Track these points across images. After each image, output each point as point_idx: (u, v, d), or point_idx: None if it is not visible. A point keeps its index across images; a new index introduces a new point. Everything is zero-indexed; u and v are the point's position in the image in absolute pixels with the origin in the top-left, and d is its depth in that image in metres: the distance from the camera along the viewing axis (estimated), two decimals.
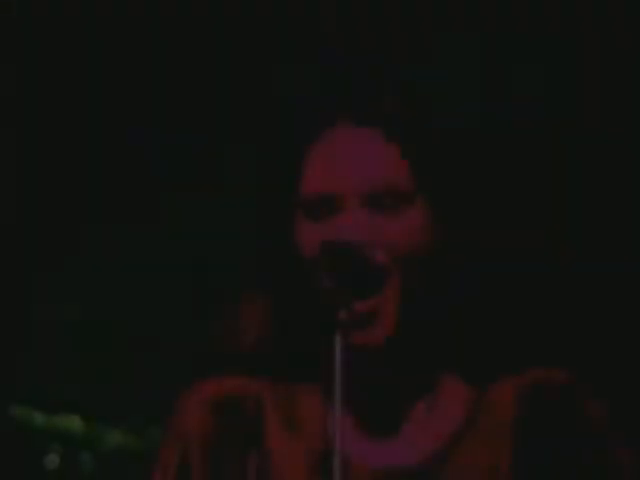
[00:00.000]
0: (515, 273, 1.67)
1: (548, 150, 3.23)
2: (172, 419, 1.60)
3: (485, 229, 1.59)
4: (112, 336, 3.58)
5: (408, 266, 1.49)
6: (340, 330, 1.38)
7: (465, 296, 1.56)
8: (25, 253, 3.18)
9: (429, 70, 3.19)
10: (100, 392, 3.55)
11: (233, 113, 3.43)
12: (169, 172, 3.50)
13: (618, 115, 3.27)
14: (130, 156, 3.51)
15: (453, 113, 1.61)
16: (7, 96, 3.01)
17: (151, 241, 3.48)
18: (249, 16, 3.37)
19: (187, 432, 1.56)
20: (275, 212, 1.57)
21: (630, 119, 3.21)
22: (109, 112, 3.50)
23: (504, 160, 3.11)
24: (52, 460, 3.41)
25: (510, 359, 1.58)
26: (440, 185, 1.53)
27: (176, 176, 3.50)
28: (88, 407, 3.48)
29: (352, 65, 1.56)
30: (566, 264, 3.17)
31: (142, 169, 3.53)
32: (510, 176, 3.12)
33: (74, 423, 3.46)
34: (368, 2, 3.39)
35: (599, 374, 1.66)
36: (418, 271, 1.51)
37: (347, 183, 1.50)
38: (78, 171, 3.55)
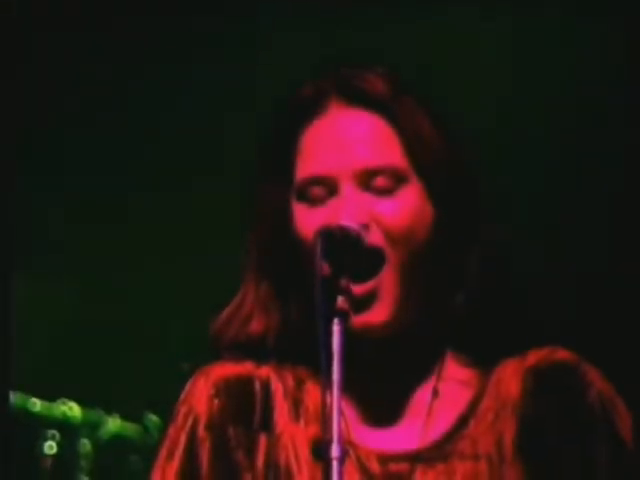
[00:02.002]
0: (519, 252, 1.67)
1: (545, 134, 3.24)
2: (179, 404, 1.61)
3: (481, 209, 1.59)
4: (110, 324, 3.58)
5: (406, 247, 1.49)
6: (339, 317, 1.38)
7: (467, 277, 1.56)
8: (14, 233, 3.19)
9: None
10: (98, 379, 3.55)
11: (227, 99, 3.45)
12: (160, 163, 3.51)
13: None
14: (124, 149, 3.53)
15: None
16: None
17: (147, 228, 3.49)
18: None
19: (195, 413, 1.58)
20: (272, 198, 1.57)
21: None
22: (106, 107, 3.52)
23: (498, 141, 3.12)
24: (50, 447, 3.41)
25: (514, 340, 1.58)
26: (434, 165, 1.53)
27: (169, 166, 3.52)
28: (86, 394, 3.48)
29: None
30: (567, 242, 3.18)
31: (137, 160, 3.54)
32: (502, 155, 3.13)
33: (72, 410, 3.45)
34: None
35: (603, 356, 1.66)
36: (417, 252, 1.51)
37: (340, 164, 1.51)
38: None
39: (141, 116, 3.56)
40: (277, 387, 1.59)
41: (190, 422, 1.57)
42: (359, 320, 1.46)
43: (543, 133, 3.40)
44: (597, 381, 1.58)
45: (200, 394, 1.59)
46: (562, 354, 1.60)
